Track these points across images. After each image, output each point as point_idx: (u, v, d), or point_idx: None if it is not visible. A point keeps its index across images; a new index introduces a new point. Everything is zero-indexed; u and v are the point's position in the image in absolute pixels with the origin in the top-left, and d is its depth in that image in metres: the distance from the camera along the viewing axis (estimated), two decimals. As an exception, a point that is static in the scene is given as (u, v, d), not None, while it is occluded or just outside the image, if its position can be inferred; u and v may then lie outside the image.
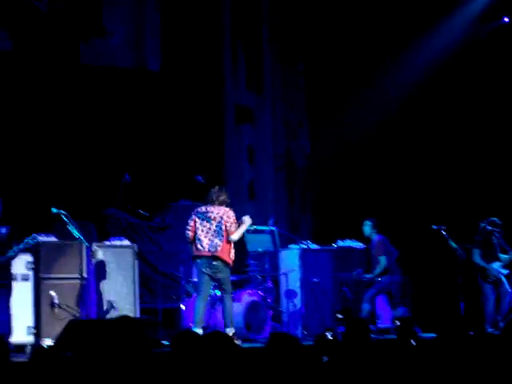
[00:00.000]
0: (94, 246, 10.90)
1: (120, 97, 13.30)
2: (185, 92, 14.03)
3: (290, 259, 11.84)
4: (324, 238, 11.69)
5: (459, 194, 14.21)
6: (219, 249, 10.14)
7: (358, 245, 12.79)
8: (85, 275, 10.53)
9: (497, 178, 14.17)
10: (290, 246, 12.35)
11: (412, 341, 6.32)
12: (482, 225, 12.19)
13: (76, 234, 10.38)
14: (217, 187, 10.49)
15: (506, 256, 12.09)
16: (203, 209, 10.32)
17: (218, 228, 10.18)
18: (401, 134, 14.73)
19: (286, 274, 11.76)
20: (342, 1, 14.79)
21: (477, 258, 12.09)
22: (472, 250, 12.16)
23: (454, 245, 12.12)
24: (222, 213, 10.23)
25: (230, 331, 9.88)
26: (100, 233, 11.73)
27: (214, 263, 10.18)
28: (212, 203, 10.30)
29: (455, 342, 5.96)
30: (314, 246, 12.17)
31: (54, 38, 12.79)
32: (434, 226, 12.22)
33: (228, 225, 10.17)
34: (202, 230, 10.21)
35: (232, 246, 10.28)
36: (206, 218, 10.25)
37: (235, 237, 10.24)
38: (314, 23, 15.03)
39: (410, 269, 13.29)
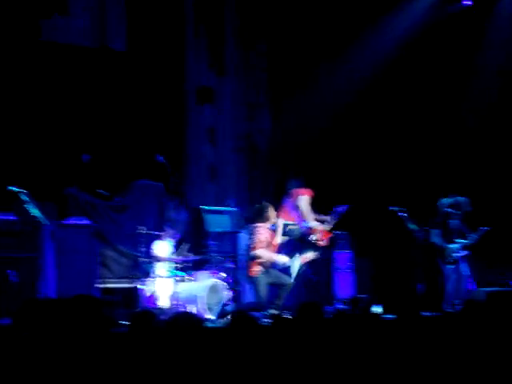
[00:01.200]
0: (54, 225, 10.84)
1: (82, 76, 13.19)
2: (147, 72, 13.95)
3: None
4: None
5: (419, 175, 14.34)
6: None
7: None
8: (43, 254, 10.48)
9: (455, 160, 14.30)
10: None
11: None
12: (444, 208, 12.29)
13: (35, 212, 10.32)
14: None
15: (463, 241, 12.18)
16: None
17: None
18: (363, 117, 14.80)
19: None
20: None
21: (435, 238, 12.17)
22: (430, 230, 12.27)
23: (412, 226, 12.23)
24: None
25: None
26: (60, 212, 11.65)
27: None
28: None
29: (411, 323, 6.05)
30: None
31: (14, 13, 12.62)
32: (391, 208, 12.33)
33: None
34: None
35: None
36: None
37: None
38: (277, 3, 15.00)
39: (370, 251, 13.41)
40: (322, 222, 11.69)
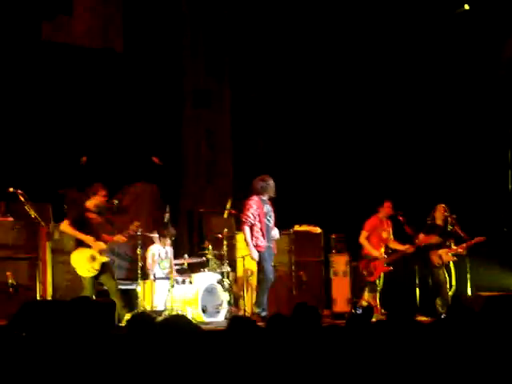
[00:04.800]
0: (51, 227, 10.86)
1: (81, 77, 13.20)
2: (144, 74, 13.97)
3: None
4: (282, 223, 11.73)
5: (417, 177, 14.39)
6: None
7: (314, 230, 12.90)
8: (41, 256, 10.50)
9: (449, 164, 14.36)
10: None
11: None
12: (439, 212, 12.37)
13: (33, 214, 10.33)
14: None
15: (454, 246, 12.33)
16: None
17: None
18: (348, 123, 14.90)
19: (243, 257, 11.80)
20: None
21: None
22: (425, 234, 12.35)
23: (410, 230, 12.27)
24: None
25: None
26: (57, 213, 11.66)
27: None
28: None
29: (405, 326, 6.08)
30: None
31: (17, 13, 12.63)
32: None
33: None
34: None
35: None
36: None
37: None
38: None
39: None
40: None
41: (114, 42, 13.82)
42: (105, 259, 10.37)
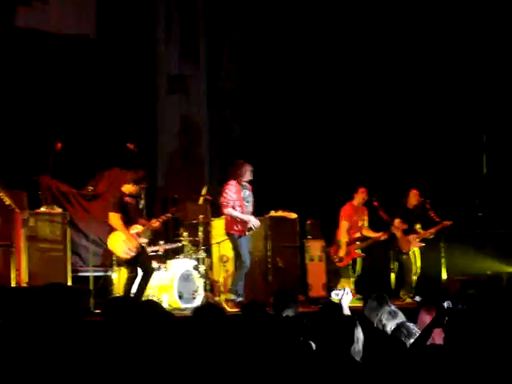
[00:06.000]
0: (26, 214, 10.82)
1: (56, 63, 13.14)
2: (119, 60, 13.93)
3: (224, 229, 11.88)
4: (258, 209, 11.75)
5: (388, 162, 14.46)
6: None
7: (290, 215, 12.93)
8: (17, 243, 10.47)
9: (424, 148, 14.43)
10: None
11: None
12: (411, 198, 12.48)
13: (8, 200, 10.29)
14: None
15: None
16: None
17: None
18: (335, 104, 14.90)
19: (218, 243, 11.81)
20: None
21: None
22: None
23: (385, 215, 12.37)
24: None
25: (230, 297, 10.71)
26: (32, 200, 11.61)
27: None
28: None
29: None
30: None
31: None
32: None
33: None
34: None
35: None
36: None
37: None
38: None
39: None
40: None
41: (87, 29, 13.74)
42: (142, 241, 10.48)
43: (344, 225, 12.43)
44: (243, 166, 11.01)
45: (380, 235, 12.32)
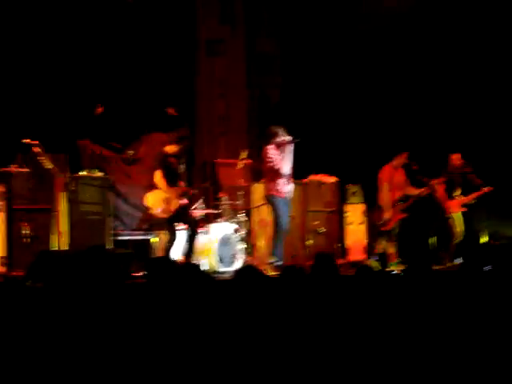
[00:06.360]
0: (67, 178, 10.88)
1: (94, 26, 13.12)
2: (157, 24, 13.89)
3: (263, 193, 11.87)
4: (297, 173, 11.71)
5: (428, 127, 14.33)
6: None
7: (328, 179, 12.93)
8: (58, 207, 10.54)
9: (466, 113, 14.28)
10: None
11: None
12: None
13: (49, 165, 10.35)
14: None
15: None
16: None
17: None
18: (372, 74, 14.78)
19: (257, 207, 11.82)
20: None
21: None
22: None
23: (425, 179, 12.30)
24: None
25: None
26: (73, 164, 11.68)
27: None
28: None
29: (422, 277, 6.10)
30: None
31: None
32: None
33: None
34: None
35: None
36: None
37: None
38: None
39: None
40: None
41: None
42: (182, 202, 10.56)
43: (385, 186, 12.32)
44: (277, 132, 10.90)
45: (422, 191, 12.20)
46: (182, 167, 10.91)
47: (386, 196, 12.34)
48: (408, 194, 12.34)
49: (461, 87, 14.31)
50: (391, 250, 11.95)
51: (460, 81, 14.32)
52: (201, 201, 11.80)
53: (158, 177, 10.44)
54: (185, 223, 10.62)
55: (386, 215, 12.26)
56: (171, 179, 10.53)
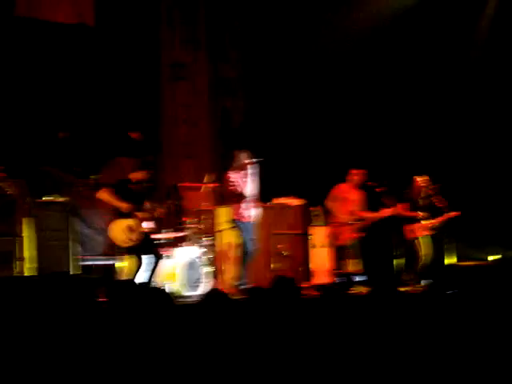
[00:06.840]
0: (30, 203, 10.80)
1: (57, 52, 13.10)
2: (120, 49, 13.88)
3: (227, 216, 11.87)
4: (261, 196, 11.72)
5: (394, 149, 14.40)
6: None
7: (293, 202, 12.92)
8: (19, 232, 10.46)
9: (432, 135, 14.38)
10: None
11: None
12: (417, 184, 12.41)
13: (11, 190, 10.28)
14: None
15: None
16: None
17: None
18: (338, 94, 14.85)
19: (222, 231, 11.80)
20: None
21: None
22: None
23: (388, 201, 12.29)
24: None
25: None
26: (35, 190, 11.60)
27: None
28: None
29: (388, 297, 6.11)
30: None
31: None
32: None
33: None
34: None
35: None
36: None
37: None
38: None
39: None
40: None
41: (86, 17, 13.68)
42: (144, 229, 10.43)
43: (333, 205, 12.19)
44: (240, 156, 11.02)
45: (376, 216, 12.10)
46: (148, 191, 10.87)
47: (336, 212, 12.17)
48: (362, 218, 12.23)
49: (427, 109, 14.43)
50: (356, 267, 11.91)
51: (425, 102, 14.45)
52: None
53: (104, 194, 10.33)
54: (149, 254, 10.53)
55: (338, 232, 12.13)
56: (136, 202, 10.46)
